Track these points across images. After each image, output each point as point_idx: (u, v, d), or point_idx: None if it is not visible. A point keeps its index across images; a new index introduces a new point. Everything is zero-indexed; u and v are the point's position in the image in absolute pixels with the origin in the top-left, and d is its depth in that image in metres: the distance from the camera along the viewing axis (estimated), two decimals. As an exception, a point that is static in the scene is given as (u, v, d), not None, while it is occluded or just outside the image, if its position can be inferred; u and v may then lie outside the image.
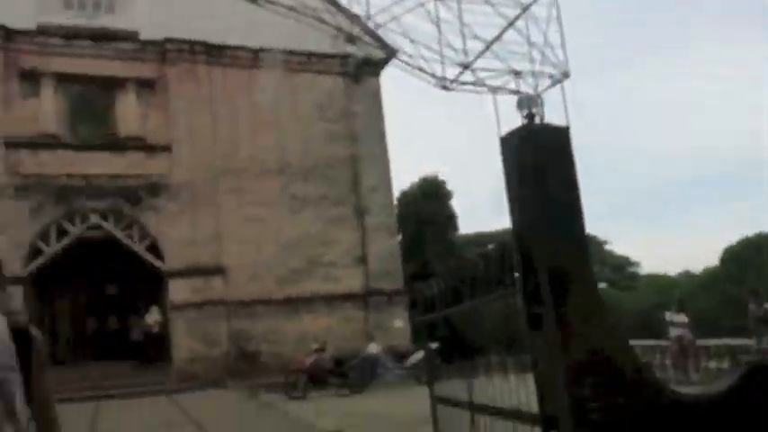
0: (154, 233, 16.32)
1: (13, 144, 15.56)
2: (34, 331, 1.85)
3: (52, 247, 15.54)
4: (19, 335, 1.77)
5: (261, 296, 16.95)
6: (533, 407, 3.99)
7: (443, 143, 70.45)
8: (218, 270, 16.63)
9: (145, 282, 17.91)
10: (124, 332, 18.82)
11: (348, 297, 17.93)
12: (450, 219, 29.21)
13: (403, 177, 39.50)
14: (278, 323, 16.90)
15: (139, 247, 16.29)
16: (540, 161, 4.16)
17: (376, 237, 18.60)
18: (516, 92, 6.52)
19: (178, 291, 16.24)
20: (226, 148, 17.35)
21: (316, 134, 18.47)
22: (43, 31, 16.11)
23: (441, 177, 29.42)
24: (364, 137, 18.99)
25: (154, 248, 16.38)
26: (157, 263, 16.30)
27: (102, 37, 16.56)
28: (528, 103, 4.35)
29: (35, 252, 15.43)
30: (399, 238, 21.90)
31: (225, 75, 17.81)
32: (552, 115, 4.90)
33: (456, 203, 34.26)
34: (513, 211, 4.24)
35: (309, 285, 17.58)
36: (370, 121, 19.21)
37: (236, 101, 17.74)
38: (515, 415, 4.19)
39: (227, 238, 16.92)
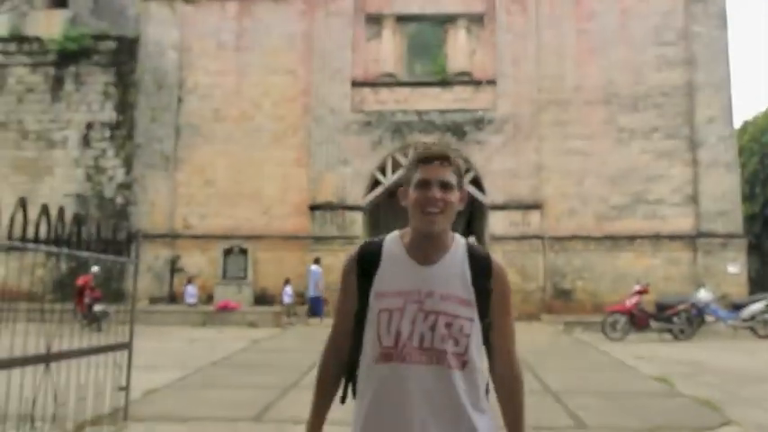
0: (477, 166, 17.02)
1: (359, 83, 17.42)
2: (495, 265, 1.78)
3: (388, 179, 17.22)
4: (477, 264, 1.76)
5: (578, 232, 16.72)
6: None
7: (800, 61, 59.56)
8: (536, 204, 16.80)
9: (461, 213, 18.92)
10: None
11: (675, 238, 16.71)
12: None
13: (746, 106, 34.61)
14: (595, 261, 16.57)
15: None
16: None
17: (711, 173, 16.85)
18: None
19: (498, 223, 16.85)
20: (550, 79, 17.11)
21: (647, 60, 17.13)
22: (385, -26, 17.46)
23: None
24: (704, 61, 17.05)
25: (475, 181, 17.13)
26: (479, 195, 17.06)
27: (441, -23, 17.38)
28: None
29: (374, 183, 17.30)
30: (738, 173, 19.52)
31: (552, 2, 17.38)
32: None
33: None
34: None
35: (632, 223, 16.79)
36: (711, 43, 17.13)
37: (562, 29, 17.27)
38: None
39: (548, 171, 16.90)
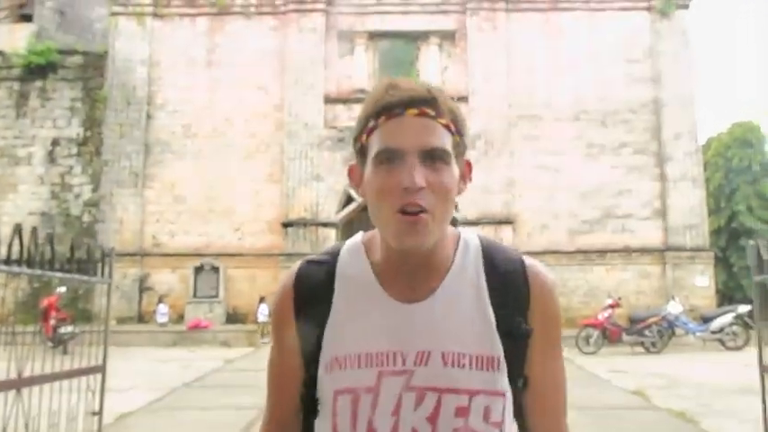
0: (450, 180, 17.08)
1: (332, 100, 17.40)
2: (535, 278, 1.07)
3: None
4: (503, 282, 1.06)
5: (550, 247, 16.86)
6: None
7: (759, 83, 61.45)
8: (508, 219, 16.90)
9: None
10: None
11: (645, 251, 16.96)
12: (765, 168, 25.61)
13: (710, 123, 35.50)
14: (567, 275, 16.70)
15: (436, 194, 17.25)
16: None
17: (678, 187, 17.18)
18: None
19: (470, 238, 16.89)
20: (521, 95, 17.31)
21: (615, 77, 17.45)
22: (354, -6, 17.53)
23: (755, 122, 25.81)
24: (669, 78, 17.43)
25: (448, 197, 17.14)
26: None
27: (408, -8, 17.52)
28: None
29: (348, 199, 17.23)
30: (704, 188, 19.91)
31: (522, 20, 17.63)
32: None
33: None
34: None
35: (602, 237, 17.00)
36: (676, 60, 17.54)
37: (532, 47, 17.50)
38: None
39: (520, 186, 17.04)
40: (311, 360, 1.07)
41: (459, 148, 1.04)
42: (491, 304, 1.05)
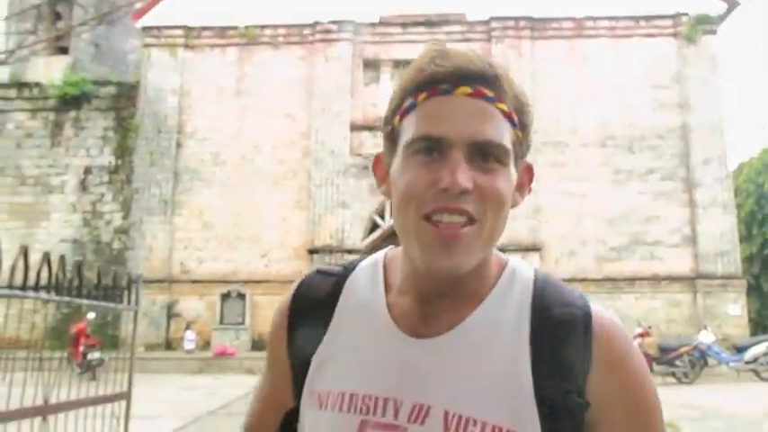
0: (476, 207, 17.04)
1: (358, 127, 17.56)
2: (606, 337, 0.80)
3: (387, 222, 17.19)
4: (556, 336, 0.80)
5: (578, 274, 16.63)
6: None
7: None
8: (535, 246, 16.77)
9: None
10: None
11: (674, 279, 16.65)
12: (799, 193, 25.12)
13: (740, 148, 35.04)
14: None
15: (462, 221, 17.22)
16: None
17: (708, 214, 16.89)
18: None
19: (497, 265, 16.77)
20: (547, 121, 17.26)
21: (642, 102, 17.34)
22: (384, 22, 17.81)
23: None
24: (698, 104, 17.25)
25: (475, 223, 17.10)
26: (478, 236, 17.02)
27: (435, 22, 17.69)
28: None
29: (373, 226, 17.26)
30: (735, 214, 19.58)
31: (548, 47, 17.67)
32: None
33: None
34: None
35: (631, 265, 16.75)
36: (704, 85, 17.37)
37: (558, 73, 17.51)
38: None
39: (546, 213, 16.92)
40: (300, 387, 0.86)
41: (522, 146, 0.83)
42: (531, 359, 0.77)
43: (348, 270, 0.92)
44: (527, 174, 0.88)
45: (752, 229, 22.24)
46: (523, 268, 0.89)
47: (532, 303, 0.83)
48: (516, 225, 16.72)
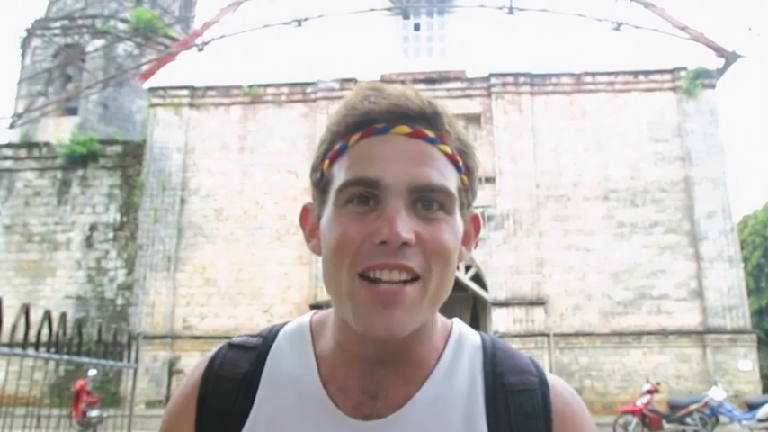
0: (478, 262, 17.00)
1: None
2: (562, 409, 0.75)
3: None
4: (513, 408, 0.74)
5: (583, 328, 16.45)
6: None
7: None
8: (540, 300, 16.64)
9: (464, 305, 18.76)
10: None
11: (683, 333, 16.41)
12: (806, 245, 25.01)
13: (745, 200, 35.10)
14: (602, 359, 16.21)
15: (464, 276, 17.13)
16: None
17: (714, 267, 16.76)
18: None
19: (501, 320, 16.63)
20: (548, 175, 17.40)
21: (643, 156, 17.47)
22: (385, 80, 18.15)
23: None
24: (699, 157, 17.36)
25: (477, 278, 17.04)
26: (482, 292, 16.92)
27: (435, 80, 18.04)
28: None
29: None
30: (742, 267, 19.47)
31: (547, 102, 17.94)
32: None
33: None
34: None
35: (637, 319, 16.55)
36: (705, 139, 17.52)
37: (558, 128, 17.72)
38: None
39: (550, 267, 16.85)
40: None
41: (468, 194, 0.76)
42: (488, 426, 0.70)
43: (268, 340, 0.79)
44: (474, 225, 0.81)
45: (760, 282, 22.08)
46: (469, 332, 0.82)
47: (483, 372, 0.74)
48: (520, 279, 16.65)
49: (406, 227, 0.65)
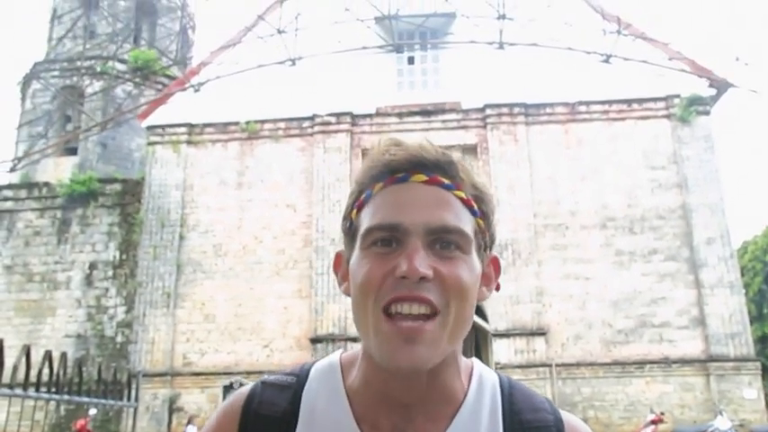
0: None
1: (359, 214, 17.75)
2: None
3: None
4: None
5: (585, 358, 16.33)
6: None
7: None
8: (540, 330, 16.56)
9: (465, 340, 18.66)
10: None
11: (685, 362, 16.29)
12: (807, 271, 24.96)
13: (745, 226, 35.20)
14: (605, 388, 16.06)
15: (466, 306, 17.07)
16: None
17: (715, 294, 16.70)
18: None
19: (502, 351, 16.52)
20: (546, 204, 17.46)
21: (640, 183, 17.55)
22: (381, 113, 18.37)
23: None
24: (696, 184, 17.43)
25: (477, 309, 16.96)
26: (482, 323, 16.85)
27: (431, 111, 18.24)
28: None
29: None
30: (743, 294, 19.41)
31: (543, 132, 18.09)
32: None
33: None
34: None
35: (639, 348, 16.43)
36: (701, 165, 17.61)
37: (554, 157, 17.84)
38: None
39: (550, 296, 16.81)
40: None
41: (485, 236, 0.81)
42: None
43: (301, 378, 0.84)
44: (494, 266, 0.86)
45: (762, 308, 21.99)
46: (486, 372, 0.88)
47: (503, 410, 0.80)
48: (519, 309, 16.60)
49: (424, 263, 0.72)
